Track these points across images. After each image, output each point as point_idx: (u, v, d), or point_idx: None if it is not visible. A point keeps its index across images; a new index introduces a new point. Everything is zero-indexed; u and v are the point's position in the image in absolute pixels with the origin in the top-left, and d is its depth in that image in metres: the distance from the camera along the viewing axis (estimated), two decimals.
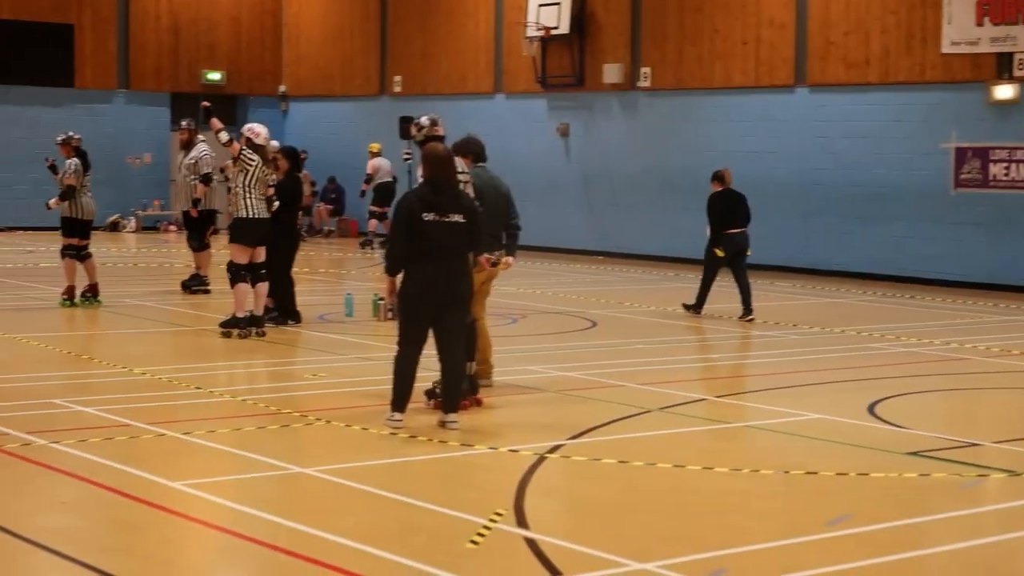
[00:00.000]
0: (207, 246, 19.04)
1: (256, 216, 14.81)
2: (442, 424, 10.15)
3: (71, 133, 17.76)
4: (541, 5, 28.38)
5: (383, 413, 10.21)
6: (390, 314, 10.70)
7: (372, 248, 28.60)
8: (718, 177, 17.87)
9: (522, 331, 16.15)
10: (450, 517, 7.80)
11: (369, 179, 29.87)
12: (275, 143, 16.21)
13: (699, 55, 26.54)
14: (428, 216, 10.02)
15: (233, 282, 14.81)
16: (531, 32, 28.63)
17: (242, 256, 14.80)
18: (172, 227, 31.86)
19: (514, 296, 19.53)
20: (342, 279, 22.59)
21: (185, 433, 9.87)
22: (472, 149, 11.78)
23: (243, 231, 14.84)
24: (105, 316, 16.76)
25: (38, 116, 31.27)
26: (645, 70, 27.45)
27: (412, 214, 10.04)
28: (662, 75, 27.20)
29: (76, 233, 17.37)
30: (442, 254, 10.04)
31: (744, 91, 25.83)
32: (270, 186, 14.97)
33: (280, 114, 35.42)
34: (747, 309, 17.31)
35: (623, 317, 17.79)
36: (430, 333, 10.20)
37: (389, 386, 10.22)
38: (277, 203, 15.03)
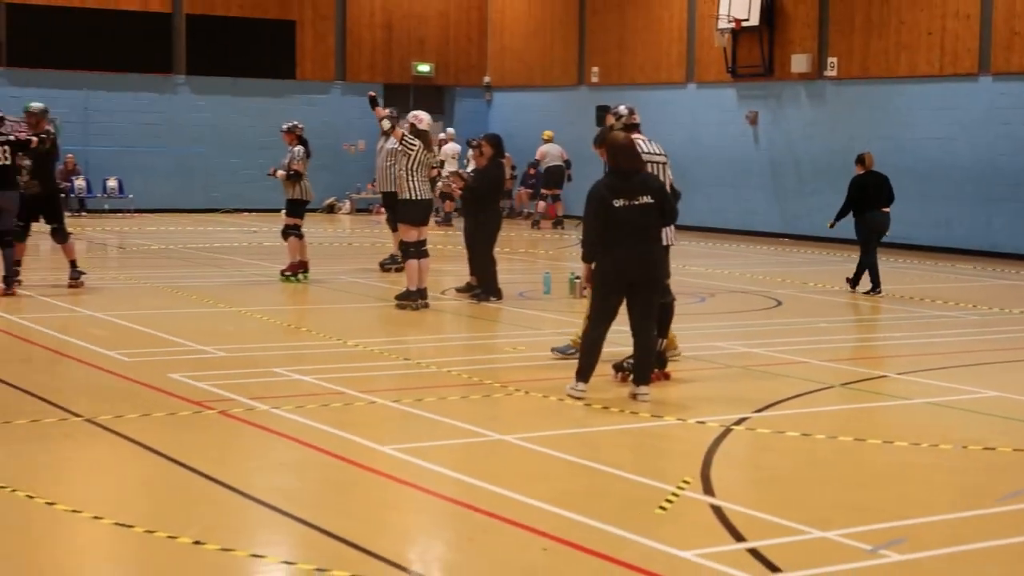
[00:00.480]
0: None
1: (420, 198, 15.09)
2: (633, 396, 10.15)
3: (295, 122, 18.16)
4: None
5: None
6: (585, 293, 10.71)
7: (539, 228, 29.34)
8: (860, 160, 17.83)
9: (711, 309, 16.05)
10: (640, 484, 7.81)
11: (536, 164, 30.53)
12: (450, 130, 16.50)
13: (885, 46, 26.04)
14: (618, 202, 10.02)
15: (404, 259, 15.26)
16: (722, 24, 28.44)
17: (411, 234, 15.11)
18: (383, 209, 32.26)
19: (704, 276, 19.43)
20: (540, 258, 22.68)
21: (394, 401, 10.02)
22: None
23: (409, 212, 15.16)
24: (320, 291, 17.09)
25: (263, 106, 32.00)
26: (832, 60, 27.02)
27: (603, 202, 10.05)
28: (848, 65, 26.76)
29: (298, 214, 17.82)
30: (635, 237, 10.03)
31: (928, 80, 25.27)
32: (432, 167, 15.39)
33: (484, 103, 35.65)
34: (875, 285, 17.43)
35: (807, 297, 17.56)
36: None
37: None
38: (439, 184, 15.39)
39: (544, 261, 21.75)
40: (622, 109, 11.30)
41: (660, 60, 30.83)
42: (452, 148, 29.53)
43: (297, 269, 17.76)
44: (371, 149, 33.42)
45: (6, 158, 15.32)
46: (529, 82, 34.56)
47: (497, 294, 15.88)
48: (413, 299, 15.07)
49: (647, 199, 10.08)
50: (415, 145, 15.18)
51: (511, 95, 35.15)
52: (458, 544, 6.75)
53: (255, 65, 32.90)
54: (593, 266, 10.24)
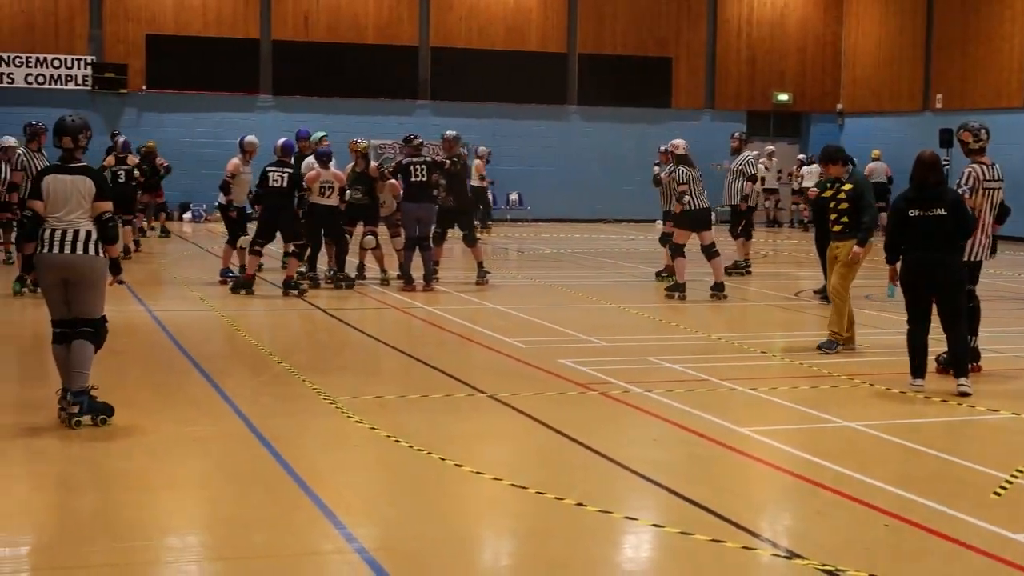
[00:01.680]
0: (744, 235, 19.02)
1: (695, 207, 15.91)
2: (958, 389, 9.73)
3: (673, 142, 18.16)
4: None
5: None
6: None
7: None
8: None
9: None
10: (974, 470, 7.45)
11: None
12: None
13: None
14: (913, 212, 9.79)
15: (673, 256, 16.12)
16: None
17: (682, 238, 15.98)
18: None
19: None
20: (884, 266, 21.89)
21: (752, 389, 9.90)
22: (843, 156, 12.06)
23: (685, 220, 15.96)
24: (689, 291, 17.02)
25: (642, 131, 32.16)
26: None
27: (900, 212, 9.91)
28: None
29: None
30: (927, 244, 9.77)
31: None
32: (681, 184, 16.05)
33: (836, 128, 34.75)
34: None
35: None
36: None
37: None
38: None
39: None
40: (975, 124, 10.81)
41: (1000, 87, 29.30)
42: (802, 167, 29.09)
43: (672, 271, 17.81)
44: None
45: (423, 176, 15.93)
46: (878, 108, 33.50)
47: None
48: (678, 291, 15.87)
49: (941, 211, 9.74)
50: (683, 171, 16.15)
51: (861, 120, 34.14)
52: (806, 516, 6.61)
53: (636, 96, 33.14)
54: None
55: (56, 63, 29.15)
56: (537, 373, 10.38)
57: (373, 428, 8.23)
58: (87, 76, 29.20)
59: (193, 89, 30.04)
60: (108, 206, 8.37)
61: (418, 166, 15.94)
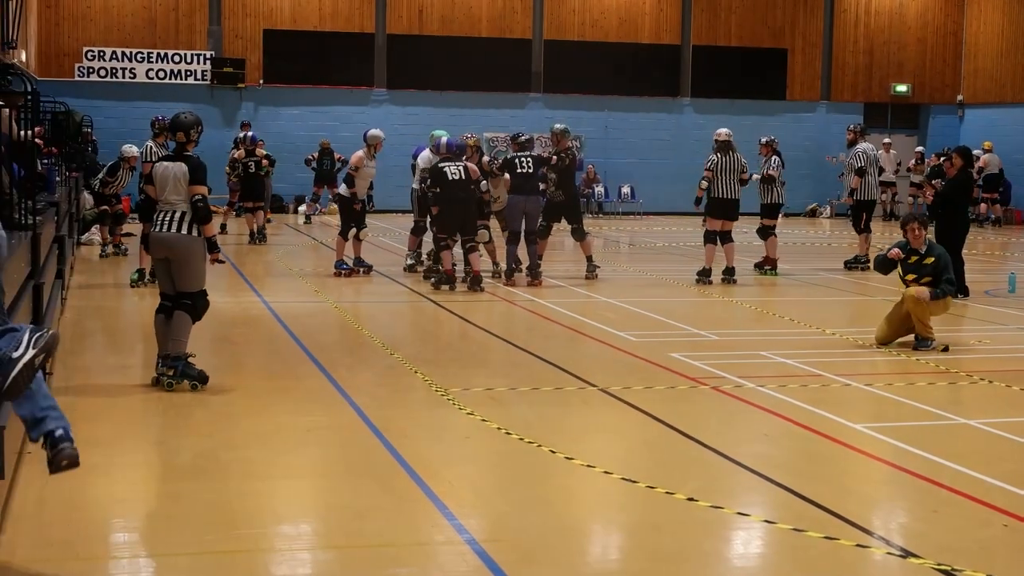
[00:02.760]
0: (866, 229, 18.71)
1: (722, 196, 16.71)
2: None
3: (772, 137, 18.38)
4: None
5: None
6: None
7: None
8: None
9: None
10: None
11: (980, 171, 29.73)
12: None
13: None
14: None
15: (706, 242, 16.97)
16: None
17: (713, 225, 16.86)
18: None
19: None
20: (1007, 260, 21.44)
21: (867, 384, 9.76)
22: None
23: (711, 207, 16.85)
24: (800, 286, 16.85)
25: (756, 124, 31.76)
26: None
27: None
28: None
29: (770, 215, 17.92)
30: None
31: None
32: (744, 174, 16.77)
33: (957, 119, 34.06)
34: None
35: None
36: None
37: None
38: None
39: (1011, 263, 20.55)
40: None
41: None
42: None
43: (774, 263, 17.82)
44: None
45: (529, 168, 15.90)
46: (1000, 99, 32.74)
47: (965, 292, 15.15)
48: (705, 276, 16.58)
49: None
50: (712, 158, 16.77)
51: (982, 112, 33.41)
52: (921, 515, 6.49)
53: (750, 88, 32.84)
54: None
55: (176, 58, 29.77)
56: (648, 367, 10.35)
57: (484, 420, 8.27)
58: (206, 71, 29.78)
59: (308, 83, 30.46)
60: (201, 190, 9.20)
61: (524, 159, 15.93)
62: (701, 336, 12.11)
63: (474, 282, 15.20)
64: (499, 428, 8.05)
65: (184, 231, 9.15)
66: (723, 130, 17.11)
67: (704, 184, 16.71)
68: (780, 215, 18.55)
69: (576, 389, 9.45)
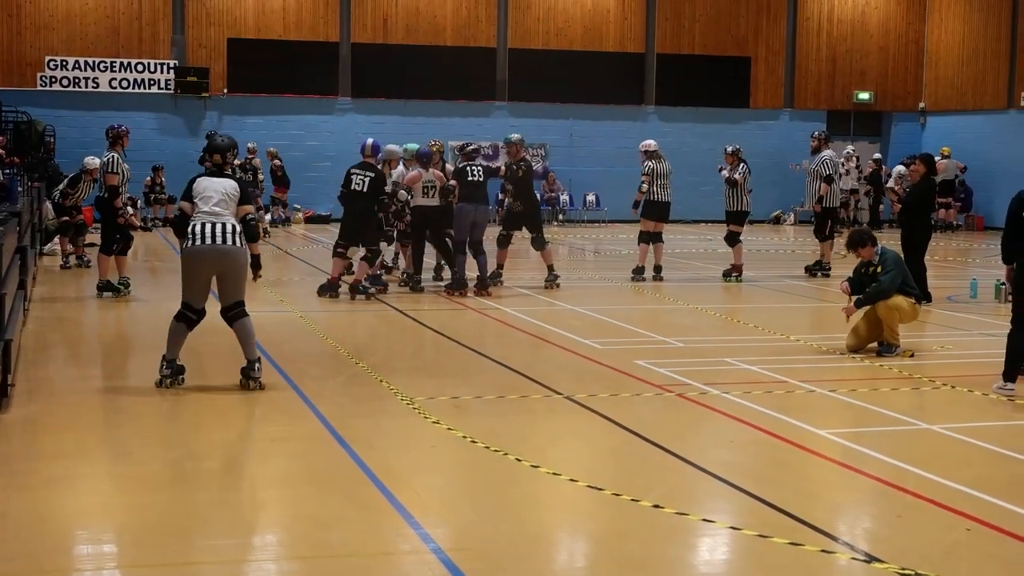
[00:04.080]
0: (830, 236, 18.81)
1: (659, 200, 17.84)
2: None
3: (737, 146, 18.60)
4: None
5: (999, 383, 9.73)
6: (1009, 298, 10.16)
7: None
8: None
9: None
10: None
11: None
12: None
13: None
14: None
15: (640, 242, 17.95)
16: None
17: (647, 226, 18.06)
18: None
19: None
20: (968, 266, 21.62)
21: (831, 391, 9.81)
22: (869, 238, 11.78)
23: (647, 210, 17.98)
24: (764, 292, 16.93)
25: (720, 131, 31.95)
26: None
27: (1013, 213, 9.68)
28: None
29: (737, 221, 18.05)
30: None
31: None
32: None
33: (919, 127, 34.33)
34: None
35: None
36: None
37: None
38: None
39: (973, 268, 20.72)
40: None
41: None
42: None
43: (741, 271, 17.98)
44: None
45: (479, 176, 15.72)
46: (961, 106, 33.03)
47: (928, 298, 15.26)
48: (638, 274, 17.76)
49: None
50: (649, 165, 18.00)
51: (943, 119, 33.68)
52: (886, 520, 6.53)
53: (715, 96, 32.97)
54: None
55: (140, 68, 29.62)
56: (613, 374, 10.37)
57: (450, 429, 8.27)
58: (170, 80, 29.64)
59: (273, 92, 30.37)
60: (251, 208, 9.71)
61: (475, 168, 15.79)
62: (666, 343, 12.15)
63: (353, 290, 15.37)
64: (465, 437, 8.05)
65: (239, 244, 9.42)
66: (650, 141, 18.63)
67: (644, 188, 17.78)
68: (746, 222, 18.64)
69: (542, 397, 9.46)
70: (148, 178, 28.17)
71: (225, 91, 30.05)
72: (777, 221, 33.14)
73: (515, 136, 16.79)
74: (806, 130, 29.26)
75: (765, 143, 32.67)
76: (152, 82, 29.66)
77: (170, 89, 29.64)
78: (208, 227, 9.36)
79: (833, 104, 33.81)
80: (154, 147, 29.16)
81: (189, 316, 9.52)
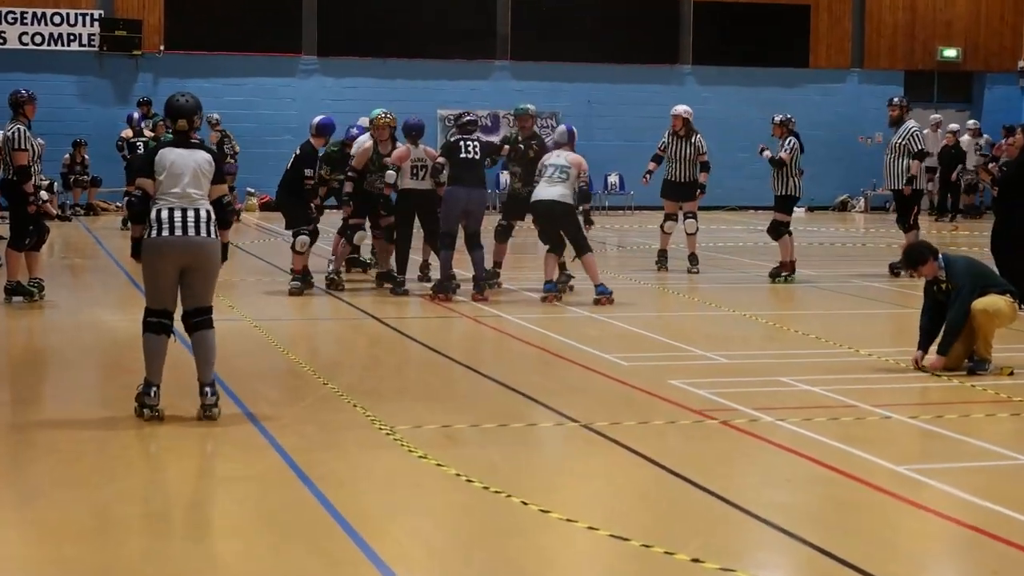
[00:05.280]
0: (915, 226, 18.73)
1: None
2: None
3: (787, 115, 18.52)
4: None
5: None
6: None
7: None
8: None
9: None
10: None
11: None
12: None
13: None
14: None
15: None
16: None
17: (669, 208, 19.09)
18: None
19: None
20: None
21: (911, 417, 9.79)
22: (929, 251, 11.69)
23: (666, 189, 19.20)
24: (830, 296, 16.91)
25: (773, 97, 31.92)
26: None
27: None
28: None
29: (784, 208, 18.04)
30: None
31: None
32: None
33: (1019, 91, 34.32)
34: None
35: None
36: None
37: None
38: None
39: None
40: None
41: None
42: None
43: (792, 268, 17.93)
44: (888, 142, 33.05)
45: (474, 153, 15.40)
46: None
47: None
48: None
49: None
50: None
51: None
52: None
53: (765, 53, 32.97)
54: None
55: (56, 19, 29.67)
56: (642, 397, 10.36)
57: (439, 464, 8.26)
58: (94, 35, 29.68)
59: (221, 50, 30.39)
60: (226, 189, 9.59)
61: (470, 143, 15.53)
62: (707, 358, 12.13)
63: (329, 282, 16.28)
64: (458, 474, 8.03)
65: (214, 235, 9.32)
66: (683, 107, 19.29)
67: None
68: (796, 209, 18.63)
69: (552, 425, 9.44)
70: (67, 155, 28.23)
71: (162, 48, 30.08)
72: (844, 207, 33.16)
73: (529, 107, 16.72)
74: (878, 95, 29.27)
75: (828, 111, 32.68)
76: (72, 37, 29.69)
77: (94, 46, 29.67)
78: (178, 213, 9.22)
79: (912, 63, 33.81)
80: (75, 117, 29.21)
81: (163, 323, 9.37)
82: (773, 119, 18.57)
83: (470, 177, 15.47)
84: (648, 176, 19.39)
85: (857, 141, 31.67)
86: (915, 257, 11.66)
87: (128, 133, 25.60)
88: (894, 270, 18.62)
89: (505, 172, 17.02)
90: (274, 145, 29.59)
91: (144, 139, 24.55)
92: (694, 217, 19.06)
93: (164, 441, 8.92)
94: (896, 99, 19.54)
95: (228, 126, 28.16)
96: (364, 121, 16.96)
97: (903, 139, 18.71)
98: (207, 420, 9.30)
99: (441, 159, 15.58)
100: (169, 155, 9.36)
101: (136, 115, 25.80)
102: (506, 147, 16.46)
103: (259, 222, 27.30)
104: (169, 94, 9.66)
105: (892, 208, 32.04)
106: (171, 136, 9.69)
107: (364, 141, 16.34)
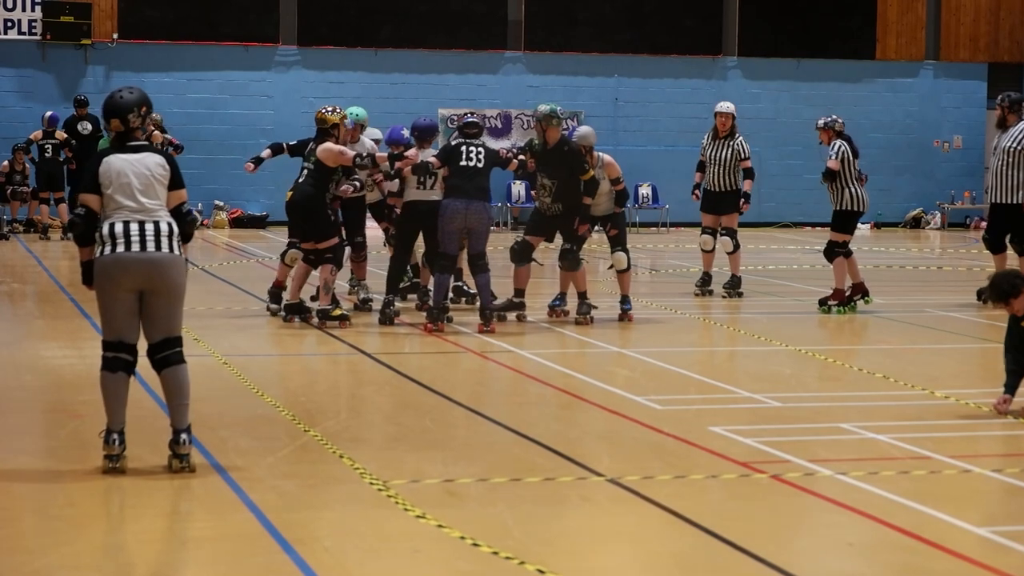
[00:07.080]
0: (1005, 248, 18.58)
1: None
2: None
3: (833, 117, 18.32)
4: None
5: None
6: None
7: None
8: None
9: None
10: None
11: None
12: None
13: None
14: None
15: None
16: None
17: (707, 220, 19.55)
18: (984, 223, 31.68)
19: None
20: None
21: (995, 471, 9.79)
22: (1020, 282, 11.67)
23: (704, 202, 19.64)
24: (889, 326, 16.91)
25: (833, 94, 32.03)
26: None
27: None
28: None
29: (840, 227, 17.92)
30: None
31: None
32: None
33: None
34: None
35: None
36: None
37: None
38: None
39: None
40: None
41: None
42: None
43: (843, 298, 17.68)
44: (971, 147, 33.07)
45: (477, 160, 15.42)
46: None
47: None
48: (703, 284, 19.21)
49: None
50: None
51: None
52: None
53: (824, 43, 33.00)
54: None
55: None
56: (678, 447, 10.37)
57: (441, 526, 8.27)
58: (35, 21, 29.78)
59: (184, 39, 30.49)
60: (185, 195, 9.52)
61: (473, 149, 15.56)
62: (755, 402, 12.14)
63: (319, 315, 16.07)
64: (463, 537, 8.05)
65: (176, 250, 9.32)
66: (727, 104, 19.78)
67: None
68: (860, 225, 18.59)
69: (574, 480, 9.45)
70: (4, 163, 28.29)
71: (115, 37, 30.20)
72: (916, 224, 33.15)
73: (556, 108, 16.42)
74: (957, 91, 29.37)
75: (898, 110, 32.73)
76: (10, 24, 29.81)
77: (36, 34, 29.78)
78: (135, 227, 9.23)
79: (998, 54, 33.82)
80: (13, 118, 29.33)
81: (123, 359, 9.38)
82: (816, 124, 18.33)
83: (468, 188, 15.43)
84: (697, 191, 19.51)
85: (932, 146, 31.66)
86: (1006, 289, 11.56)
87: (37, 135, 26.44)
88: (982, 297, 18.53)
89: (517, 182, 16.97)
90: (245, 151, 29.51)
91: (54, 142, 25.64)
92: (730, 234, 19.07)
93: (115, 495, 8.93)
94: (1002, 99, 18.62)
95: (193, 127, 28.25)
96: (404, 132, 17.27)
97: (1019, 144, 18.11)
98: (181, 472, 9.32)
99: (433, 160, 15.56)
100: (113, 163, 9.30)
101: (50, 114, 26.32)
102: (529, 159, 16.20)
103: (229, 241, 27.32)
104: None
105: (974, 225, 32.26)
106: (108, 142, 9.67)
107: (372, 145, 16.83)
